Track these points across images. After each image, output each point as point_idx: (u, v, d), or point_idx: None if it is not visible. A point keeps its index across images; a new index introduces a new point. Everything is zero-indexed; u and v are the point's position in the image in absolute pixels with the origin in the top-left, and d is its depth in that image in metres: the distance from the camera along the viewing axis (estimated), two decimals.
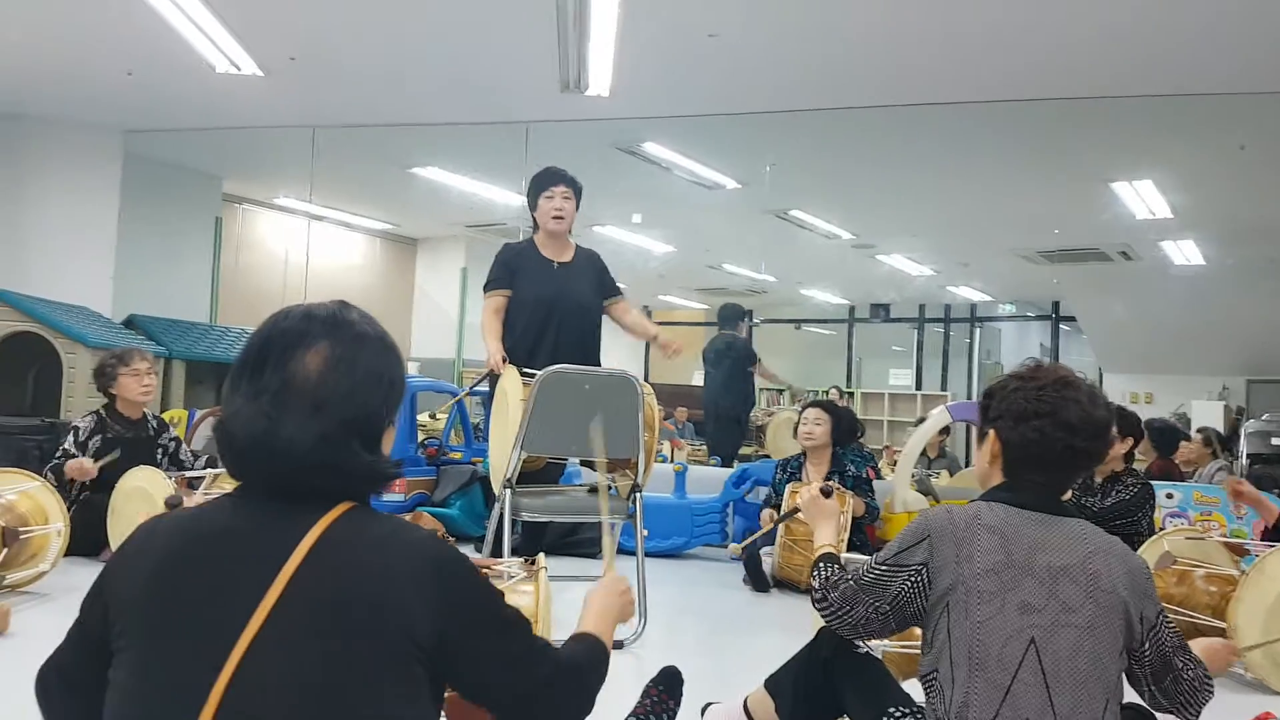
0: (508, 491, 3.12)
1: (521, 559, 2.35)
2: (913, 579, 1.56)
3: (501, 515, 3.13)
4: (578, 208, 3.90)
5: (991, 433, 1.65)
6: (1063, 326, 11.58)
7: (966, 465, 7.56)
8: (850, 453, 4.40)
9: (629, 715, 2.03)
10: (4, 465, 3.85)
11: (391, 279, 10.77)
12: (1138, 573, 1.56)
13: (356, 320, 1.14)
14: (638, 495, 3.24)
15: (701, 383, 7.44)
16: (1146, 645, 1.54)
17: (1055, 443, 1.56)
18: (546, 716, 1.18)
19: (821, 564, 1.75)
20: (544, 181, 3.87)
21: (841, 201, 8.24)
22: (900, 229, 9.05)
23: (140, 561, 1.08)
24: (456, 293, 9.88)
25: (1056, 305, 11.48)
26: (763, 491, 4.74)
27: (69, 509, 3.55)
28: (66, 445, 4.09)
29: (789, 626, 3.48)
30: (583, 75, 5.12)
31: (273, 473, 1.08)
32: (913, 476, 4.55)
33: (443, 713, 1.23)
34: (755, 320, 8.55)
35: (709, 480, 5.14)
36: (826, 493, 1.97)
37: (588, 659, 1.27)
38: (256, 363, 1.10)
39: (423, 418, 6.92)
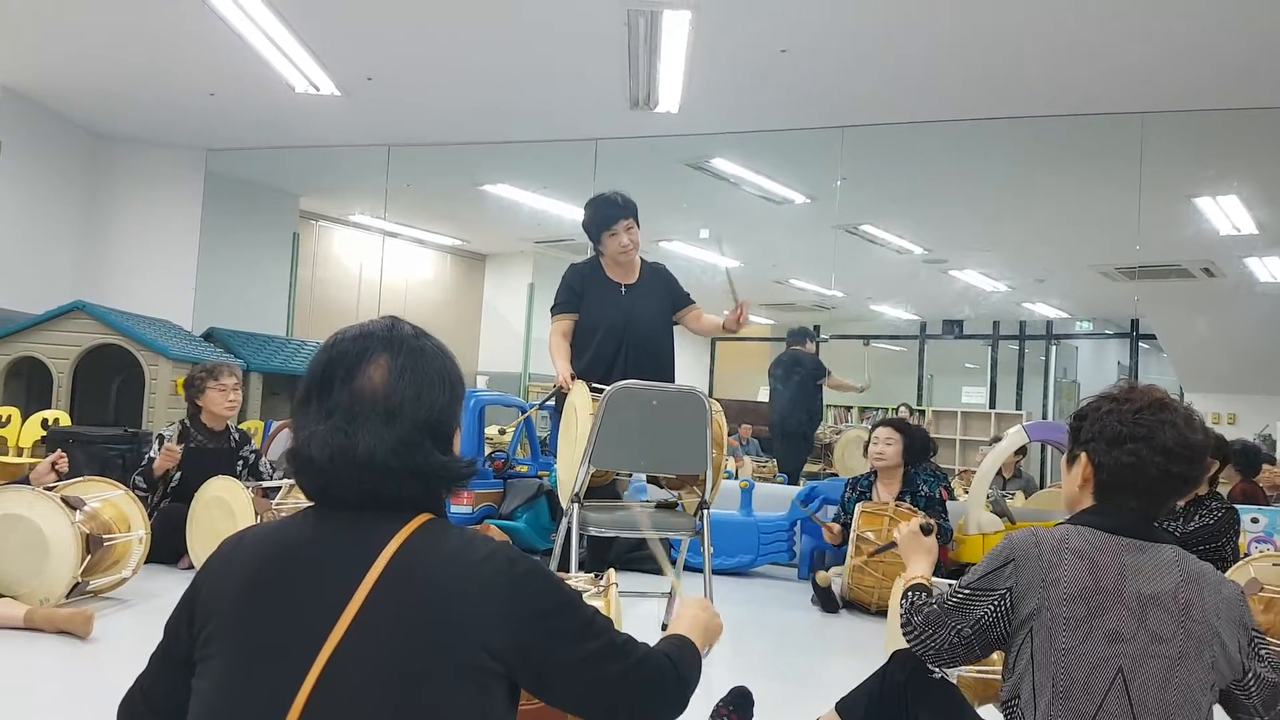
0: (575, 506, 3.11)
1: (589, 574, 2.33)
2: (996, 604, 1.53)
3: (569, 529, 3.12)
4: (639, 223, 3.86)
5: (1083, 456, 1.59)
6: (1142, 344, 11.17)
7: (1042, 486, 7.33)
8: (923, 472, 4.30)
9: None
10: (88, 474, 3.97)
11: (460, 294, 10.93)
12: (1232, 601, 1.50)
13: (410, 333, 1.18)
14: (705, 512, 3.20)
15: (766, 399, 7.37)
16: (1249, 676, 1.48)
17: (1151, 467, 1.51)
18: (643, 707, 1.16)
19: (910, 592, 1.73)
20: (604, 219, 3.77)
21: (914, 216, 8.11)
22: (974, 244, 8.87)
23: (227, 573, 1.11)
24: (523, 308, 9.98)
25: (1135, 323, 11.08)
26: (831, 510, 4.65)
27: (149, 517, 3.65)
28: (153, 454, 4.23)
29: (859, 649, 3.40)
30: (652, 92, 5.14)
31: (354, 486, 1.10)
32: (987, 498, 4.41)
33: None
34: (823, 336, 8.44)
35: (776, 498, 5.07)
36: (927, 530, 1.93)
37: (679, 653, 1.25)
38: (323, 385, 1.13)
39: (490, 431, 6.99)
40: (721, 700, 2.08)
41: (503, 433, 7.06)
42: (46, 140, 6.64)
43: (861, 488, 4.33)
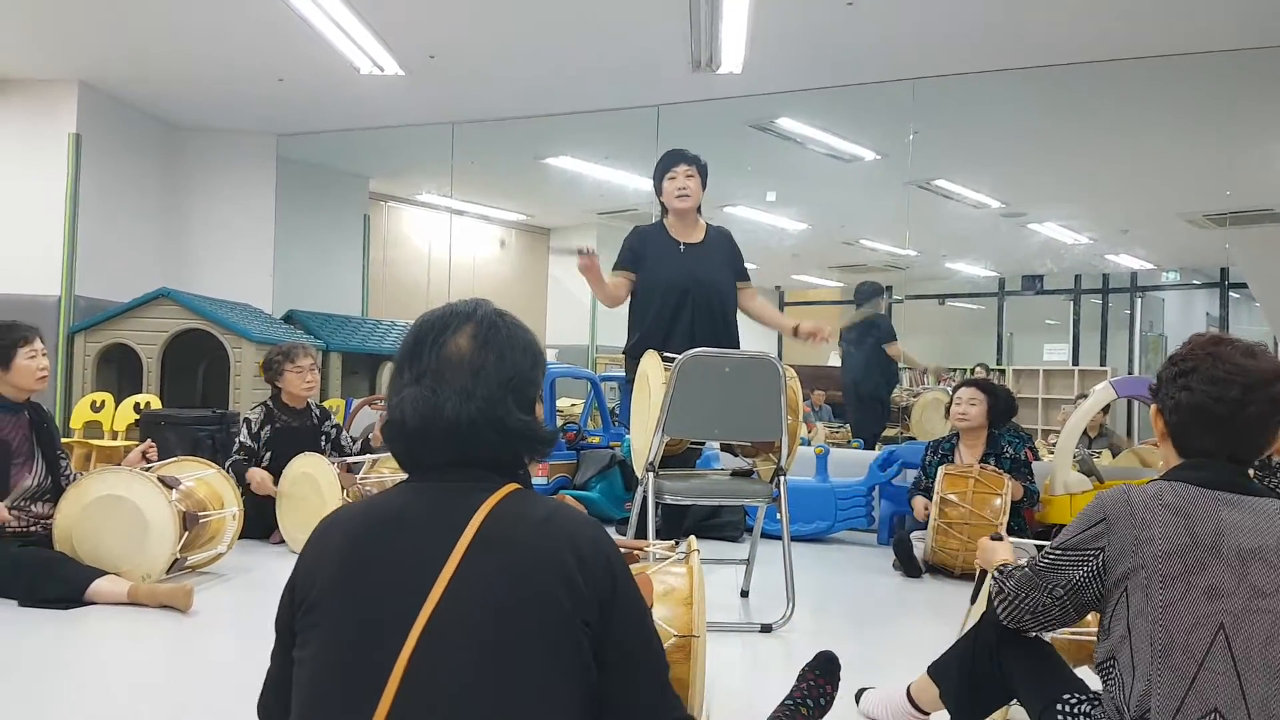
0: (650, 474, 3.11)
1: (668, 540, 2.32)
2: (1089, 565, 1.50)
3: (645, 498, 3.12)
4: (704, 186, 3.85)
5: (1153, 408, 1.59)
6: (1232, 294, 10.65)
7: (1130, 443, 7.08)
8: (1006, 433, 4.18)
9: (785, 699, 1.99)
10: (180, 455, 4.11)
11: (526, 268, 11.01)
12: None
13: (492, 310, 1.26)
14: (782, 479, 3.17)
15: (838, 364, 7.24)
16: None
17: (1205, 397, 1.48)
18: None
19: (998, 571, 1.71)
20: (666, 163, 3.84)
21: (990, 169, 7.84)
22: (1054, 196, 8.54)
23: (323, 548, 1.15)
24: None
25: (1225, 272, 10.56)
26: (910, 475, 4.57)
27: (240, 494, 3.77)
28: (242, 438, 4.36)
29: (943, 613, 3.34)
30: (715, 54, 5.05)
31: (442, 447, 1.16)
32: (1074, 457, 4.27)
33: None
34: (897, 297, 8.25)
35: (852, 463, 5.00)
36: (998, 538, 1.93)
37: None
38: (413, 353, 1.21)
39: (562, 403, 7.04)
40: (807, 665, 2.06)
41: (573, 406, 7.11)
42: (125, 133, 6.85)
43: (944, 450, 4.23)
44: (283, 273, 7.66)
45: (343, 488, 3.95)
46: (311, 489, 3.99)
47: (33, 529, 3.21)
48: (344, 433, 4.70)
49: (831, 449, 5.00)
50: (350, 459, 4.35)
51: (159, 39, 5.54)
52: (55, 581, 2.96)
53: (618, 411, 6.66)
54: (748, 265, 3.95)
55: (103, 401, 5.95)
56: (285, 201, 7.67)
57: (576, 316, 10.20)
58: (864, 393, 6.65)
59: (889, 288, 7.93)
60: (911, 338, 6.97)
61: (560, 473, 5.24)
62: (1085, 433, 5.76)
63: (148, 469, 3.39)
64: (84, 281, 6.42)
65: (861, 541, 4.81)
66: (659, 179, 3.85)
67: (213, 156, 7.48)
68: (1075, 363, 10.77)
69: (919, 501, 4.11)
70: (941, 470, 3.97)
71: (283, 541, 4.12)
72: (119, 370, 6.48)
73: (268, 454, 4.34)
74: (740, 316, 3.92)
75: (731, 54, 5.08)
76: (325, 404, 6.13)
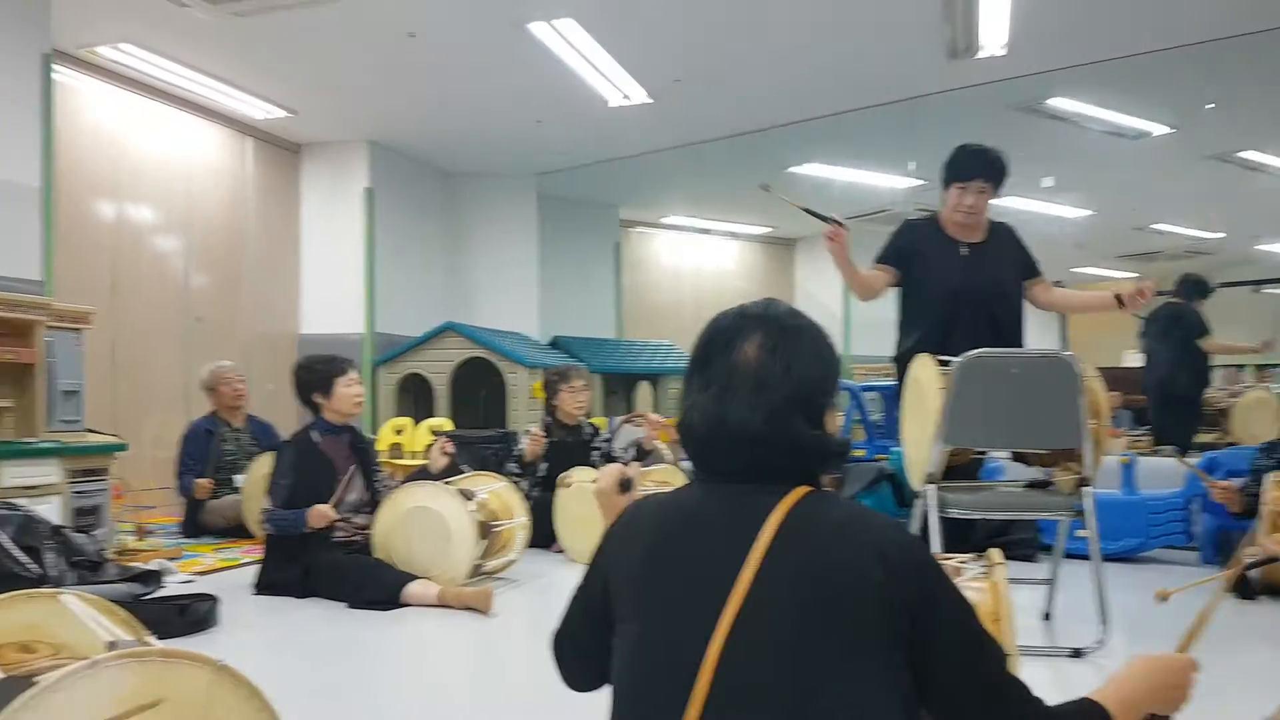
0: (931, 487, 2.92)
1: (962, 555, 2.16)
2: None
3: (927, 512, 2.94)
4: (998, 192, 3.41)
5: None
6: None
7: None
8: None
9: None
10: (471, 470, 4.44)
11: (773, 282, 10.99)
12: None
13: (785, 312, 1.22)
14: (1085, 490, 2.86)
15: (1134, 363, 6.53)
16: None
17: None
18: None
19: None
20: (961, 169, 3.37)
21: None
22: None
23: (631, 539, 1.19)
24: (839, 289, 9.77)
25: None
26: (1236, 484, 3.99)
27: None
28: (521, 445, 4.69)
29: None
30: (973, 38, 4.76)
31: (730, 454, 1.15)
32: None
33: None
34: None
35: (1160, 473, 4.45)
36: None
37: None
38: (702, 360, 1.20)
39: None
40: None
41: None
42: (409, 183, 7.60)
43: (1278, 455, 3.68)
44: (546, 301, 8.16)
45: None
46: (584, 500, 4.16)
47: (355, 538, 3.59)
48: (614, 450, 4.89)
49: (1138, 458, 4.49)
50: None
51: (434, 97, 6.11)
52: (375, 585, 3.28)
53: (880, 424, 6.43)
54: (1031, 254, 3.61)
55: (403, 426, 6.57)
56: (545, 235, 8.20)
57: (827, 327, 9.88)
58: (1172, 393, 5.92)
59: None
60: (1221, 330, 6.12)
61: (826, 487, 5.10)
62: None
63: (449, 482, 3.68)
64: (382, 319, 7.17)
65: (1180, 560, 4.27)
66: (947, 180, 3.44)
67: (482, 199, 8.12)
68: None
69: (1220, 484, 3.64)
70: (1270, 477, 3.43)
71: (562, 551, 4.31)
72: (414, 397, 7.16)
73: (545, 465, 4.61)
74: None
75: (992, 36, 4.78)
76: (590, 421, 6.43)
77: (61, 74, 5.08)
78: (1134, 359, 6.77)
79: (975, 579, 1.97)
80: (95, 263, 5.50)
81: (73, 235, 5.19)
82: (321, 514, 3.40)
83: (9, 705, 1.06)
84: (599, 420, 7.00)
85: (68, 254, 5.00)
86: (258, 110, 6.29)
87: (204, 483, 4.77)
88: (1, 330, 3.78)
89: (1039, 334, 3.91)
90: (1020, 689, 1.11)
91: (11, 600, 1.47)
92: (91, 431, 4.29)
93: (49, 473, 3.74)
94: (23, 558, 2.90)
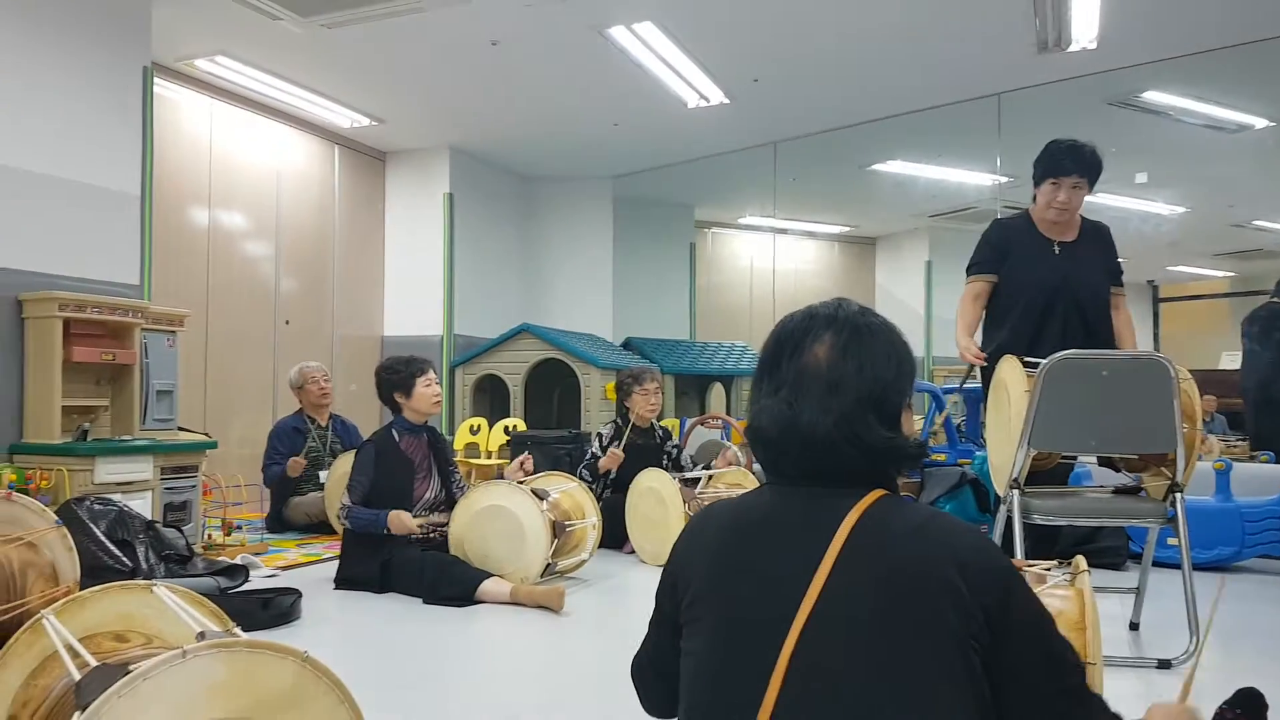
0: (1015, 492, 2.84)
1: (1045, 561, 2.09)
2: None
3: (1010, 518, 2.86)
4: (1093, 188, 3.32)
5: None
6: None
7: None
8: None
9: None
10: (544, 470, 4.48)
11: (852, 280, 10.80)
12: None
13: (856, 311, 1.19)
14: (1178, 496, 2.75)
15: (1229, 366, 6.22)
16: None
17: None
18: None
19: None
20: (1054, 165, 3.28)
21: None
22: None
23: (698, 544, 1.18)
24: (921, 288, 9.57)
25: None
26: None
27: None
28: (594, 448, 4.69)
29: None
30: (1064, 31, 4.61)
31: (802, 457, 1.13)
32: None
33: None
34: None
35: (1259, 480, 4.25)
36: None
37: None
38: (772, 362, 1.18)
39: None
40: (1226, 702, 1.73)
41: (914, 420, 6.79)
42: (487, 188, 7.73)
43: None
44: (620, 302, 8.20)
45: (684, 501, 4.07)
46: (656, 502, 4.16)
47: (432, 535, 3.65)
48: (684, 453, 4.88)
49: (1234, 463, 4.28)
50: (688, 474, 4.49)
51: (514, 103, 6.19)
52: (451, 582, 3.34)
53: (963, 428, 6.27)
54: (1119, 260, 3.48)
55: (479, 425, 6.68)
56: (620, 236, 8.24)
57: (909, 326, 9.75)
58: (1271, 397, 5.62)
59: None
60: None
61: (904, 492, 5.00)
62: None
63: (521, 482, 3.72)
64: (460, 321, 7.30)
65: (1276, 570, 4.06)
66: (1039, 176, 3.35)
67: (558, 202, 8.21)
68: None
69: None
70: None
71: (633, 551, 4.32)
72: (490, 398, 7.27)
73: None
74: None
75: (1084, 29, 4.62)
76: (662, 423, 6.43)
77: (160, 86, 5.33)
78: (1234, 360, 6.44)
79: (1059, 586, 1.91)
80: (190, 268, 5.74)
81: (169, 241, 5.43)
82: (402, 524, 3.47)
83: (104, 692, 1.10)
84: (671, 422, 6.99)
85: (164, 259, 5.24)
86: (345, 119, 6.49)
87: (298, 459, 4.94)
88: (101, 332, 3.98)
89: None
90: (1098, 704, 1.08)
91: (107, 592, 1.54)
92: (183, 430, 4.47)
93: (142, 469, 3.90)
94: (116, 551, 3.03)
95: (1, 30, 3.86)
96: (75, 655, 1.33)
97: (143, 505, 3.76)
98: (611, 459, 4.54)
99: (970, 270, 3.49)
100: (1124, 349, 3.36)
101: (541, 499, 3.58)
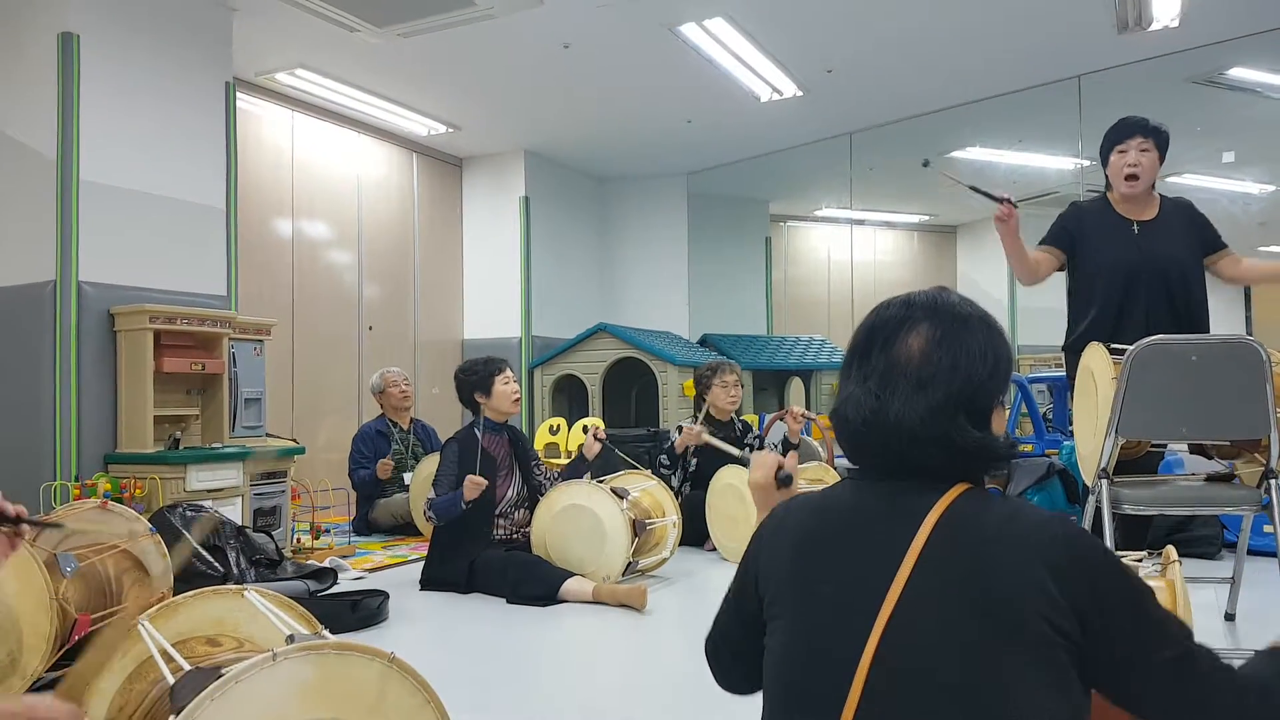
0: (1104, 482, 2.75)
1: (1135, 553, 2.02)
2: None
3: (1099, 509, 2.77)
4: (1163, 159, 3.27)
5: None
6: None
7: None
8: None
9: None
10: (624, 469, 4.50)
11: (932, 270, 10.56)
12: None
13: (956, 302, 1.15)
14: (1272, 483, 2.62)
15: None
16: None
17: None
18: None
19: None
20: (1116, 135, 3.31)
21: None
22: None
23: (779, 538, 1.17)
24: (1003, 276, 9.30)
25: None
26: None
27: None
28: (673, 437, 4.72)
29: None
30: (1144, 10, 4.43)
31: (885, 451, 1.11)
32: None
33: None
34: None
35: None
36: None
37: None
38: (863, 350, 1.15)
39: None
40: None
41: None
42: (562, 190, 7.81)
43: None
44: (696, 299, 8.19)
45: None
46: (736, 498, 4.15)
47: (515, 535, 3.72)
48: (764, 445, 4.84)
49: None
50: None
51: (588, 104, 6.24)
52: (534, 582, 3.40)
53: (1049, 416, 6.09)
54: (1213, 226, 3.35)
55: (558, 425, 6.77)
56: (694, 233, 8.22)
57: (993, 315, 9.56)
58: None
59: None
60: None
61: (990, 484, 4.88)
62: None
63: (601, 481, 3.76)
64: (538, 322, 7.40)
65: None
66: (1106, 152, 3.35)
67: (633, 201, 8.25)
68: None
69: None
70: None
71: (715, 549, 4.32)
72: (569, 397, 7.35)
73: (694, 461, 4.63)
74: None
75: (1165, 7, 4.44)
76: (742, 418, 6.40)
77: (243, 100, 5.53)
78: None
79: (1150, 577, 1.85)
80: (275, 277, 5.95)
81: (254, 252, 5.64)
82: (475, 483, 3.50)
83: (198, 695, 1.15)
84: (750, 417, 6.97)
85: (250, 270, 5.43)
86: (421, 127, 6.64)
87: (386, 462, 5.09)
88: (190, 342, 4.12)
89: (1224, 315, 3.59)
90: (1209, 656, 1.03)
91: (200, 596, 1.60)
92: (271, 436, 4.62)
93: (232, 476, 4.01)
94: (207, 557, 3.13)
95: (94, 56, 4.02)
96: (169, 659, 1.37)
97: (233, 511, 3.85)
98: (689, 435, 4.50)
99: (1040, 243, 3.43)
100: (1270, 271, 3.31)
101: (621, 498, 3.62)
